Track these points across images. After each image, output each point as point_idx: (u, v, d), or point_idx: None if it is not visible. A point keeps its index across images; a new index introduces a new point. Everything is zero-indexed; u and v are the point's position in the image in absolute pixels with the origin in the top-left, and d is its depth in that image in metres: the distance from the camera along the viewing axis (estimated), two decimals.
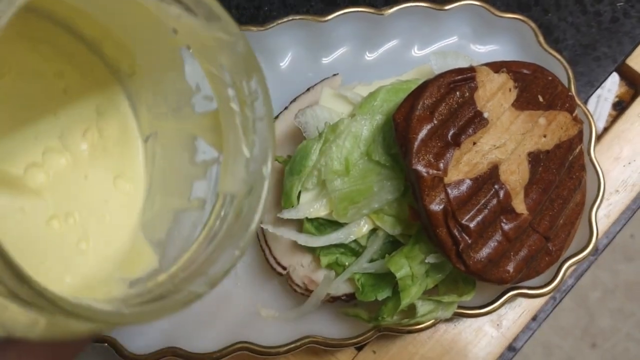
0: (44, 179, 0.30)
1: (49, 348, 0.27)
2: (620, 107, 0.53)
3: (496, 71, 0.40)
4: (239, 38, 0.27)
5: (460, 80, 0.38)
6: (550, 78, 0.42)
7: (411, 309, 0.40)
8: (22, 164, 0.30)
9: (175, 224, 0.32)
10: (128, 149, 0.33)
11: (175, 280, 0.26)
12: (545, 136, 0.40)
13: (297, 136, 0.43)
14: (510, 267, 0.37)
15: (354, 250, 0.41)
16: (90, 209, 0.31)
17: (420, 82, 0.39)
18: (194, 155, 0.32)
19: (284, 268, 0.43)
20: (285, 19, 0.46)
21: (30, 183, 0.30)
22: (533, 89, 0.41)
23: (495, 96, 0.39)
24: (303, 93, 0.46)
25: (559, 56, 0.47)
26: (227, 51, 0.27)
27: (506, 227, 0.37)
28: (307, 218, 0.41)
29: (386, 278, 0.40)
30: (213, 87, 0.30)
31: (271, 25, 0.46)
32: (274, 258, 0.43)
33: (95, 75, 0.33)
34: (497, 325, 0.47)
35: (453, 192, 0.36)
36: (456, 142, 0.37)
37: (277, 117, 0.46)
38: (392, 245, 0.41)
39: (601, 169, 0.45)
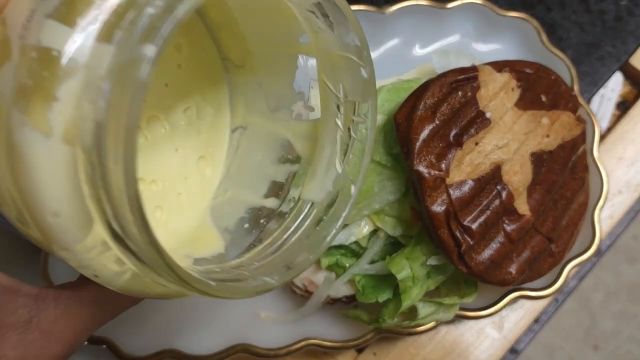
0: (142, 142, 0.31)
1: (94, 304, 0.27)
2: (623, 106, 0.53)
3: (499, 70, 0.39)
4: (368, 64, 0.28)
5: (463, 80, 0.38)
6: (553, 77, 0.41)
7: (412, 311, 0.40)
8: None
9: (246, 217, 0.33)
10: (216, 135, 0.35)
11: (250, 268, 0.28)
12: (548, 136, 0.40)
13: None
14: (513, 269, 0.37)
15: (355, 251, 0.41)
16: (172, 181, 0.33)
17: (422, 81, 0.39)
18: (279, 157, 0.34)
19: None
20: None
21: None
22: (536, 89, 0.40)
23: (497, 96, 0.39)
24: None
25: (562, 55, 0.47)
26: (352, 73, 0.29)
27: (509, 228, 0.37)
28: None
29: (387, 280, 0.40)
30: (322, 99, 0.31)
31: None
32: None
33: (206, 57, 0.34)
34: (499, 327, 0.46)
35: (455, 193, 0.36)
36: (458, 143, 0.37)
37: None
38: (393, 246, 0.40)
39: (605, 169, 0.44)
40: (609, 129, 0.51)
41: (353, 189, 0.31)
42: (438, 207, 0.36)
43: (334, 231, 0.30)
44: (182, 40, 0.32)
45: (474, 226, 0.36)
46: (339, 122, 0.30)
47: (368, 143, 0.30)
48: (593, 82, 0.52)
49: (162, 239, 0.30)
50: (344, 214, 0.30)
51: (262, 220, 0.33)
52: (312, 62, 0.31)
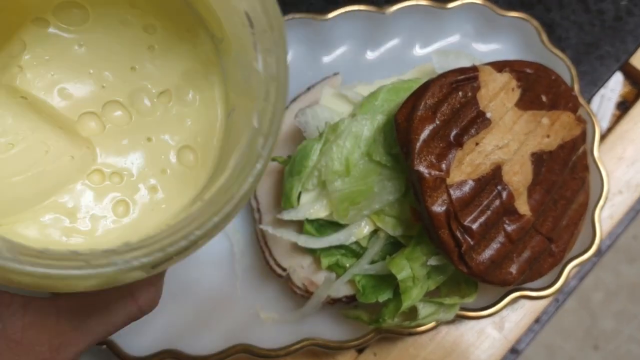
0: (97, 129, 0.29)
1: (77, 315, 0.25)
2: (623, 106, 0.53)
3: (499, 70, 0.39)
4: None
5: (463, 80, 0.38)
6: (553, 77, 0.41)
7: (412, 311, 0.40)
8: (79, 110, 0.29)
9: None
10: (206, 122, 0.30)
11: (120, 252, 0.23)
12: (548, 136, 0.40)
13: (297, 136, 0.43)
14: (513, 269, 0.37)
15: (355, 251, 0.41)
16: (143, 174, 0.29)
17: (422, 81, 0.39)
18: (249, 132, 0.28)
19: (284, 269, 0.42)
20: (285, 17, 0.46)
21: (82, 130, 0.29)
22: (536, 89, 0.40)
23: (498, 96, 0.39)
24: (303, 92, 0.46)
25: (562, 55, 0.47)
26: None
27: (509, 228, 0.37)
28: (307, 219, 0.40)
29: (387, 280, 0.40)
30: (245, 42, 0.26)
31: None
32: (274, 259, 0.42)
33: (192, 38, 0.31)
34: (500, 327, 0.46)
35: (455, 193, 0.36)
36: (459, 143, 0.37)
37: None
38: (393, 246, 0.40)
39: (605, 169, 0.44)
40: (609, 129, 0.51)
41: (259, 145, 0.24)
42: (438, 208, 0.36)
43: (241, 194, 0.24)
44: (155, 21, 0.30)
45: (475, 226, 0.36)
46: (256, 65, 0.25)
47: (280, 81, 0.25)
48: (592, 82, 0.52)
49: (121, 236, 0.26)
50: (250, 177, 0.24)
51: None
52: None
